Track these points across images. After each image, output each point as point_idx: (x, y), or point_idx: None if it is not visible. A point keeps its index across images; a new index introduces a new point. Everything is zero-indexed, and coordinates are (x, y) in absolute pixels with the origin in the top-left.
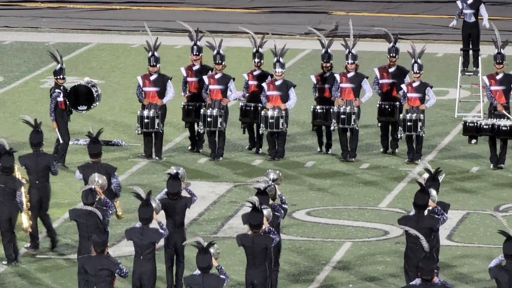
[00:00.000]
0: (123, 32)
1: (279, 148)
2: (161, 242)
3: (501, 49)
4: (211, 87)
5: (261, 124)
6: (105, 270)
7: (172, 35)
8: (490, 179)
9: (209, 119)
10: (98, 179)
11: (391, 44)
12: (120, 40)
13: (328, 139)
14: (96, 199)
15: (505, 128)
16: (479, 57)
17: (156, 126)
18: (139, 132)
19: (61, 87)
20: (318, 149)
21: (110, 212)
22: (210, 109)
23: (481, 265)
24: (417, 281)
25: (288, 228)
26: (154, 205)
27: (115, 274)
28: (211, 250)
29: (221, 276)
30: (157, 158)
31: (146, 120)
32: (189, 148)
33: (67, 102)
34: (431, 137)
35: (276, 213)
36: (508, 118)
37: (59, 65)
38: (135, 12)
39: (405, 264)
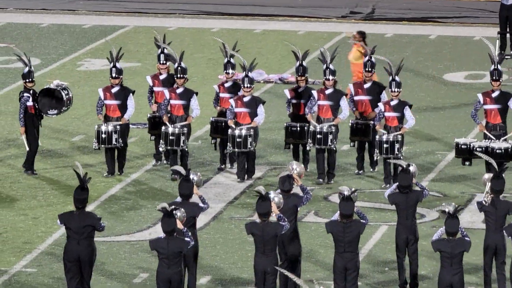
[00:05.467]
0: (160, 15)
1: (249, 167)
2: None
3: (498, 65)
4: (172, 102)
5: (228, 144)
6: (89, 226)
7: (208, 18)
8: None
9: (171, 137)
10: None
11: (367, 57)
12: (157, 22)
13: (305, 154)
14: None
15: (500, 151)
16: None
17: (114, 142)
18: (96, 147)
19: (31, 91)
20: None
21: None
22: (172, 126)
23: None
24: None
25: (324, 211)
26: (195, 178)
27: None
28: (178, 213)
29: (186, 238)
30: (118, 173)
31: (103, 135)
32: (165, 161)
33: (37, 107)
34: (468, 120)
35: (362, 220)
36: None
37: (27, 68)
38: None
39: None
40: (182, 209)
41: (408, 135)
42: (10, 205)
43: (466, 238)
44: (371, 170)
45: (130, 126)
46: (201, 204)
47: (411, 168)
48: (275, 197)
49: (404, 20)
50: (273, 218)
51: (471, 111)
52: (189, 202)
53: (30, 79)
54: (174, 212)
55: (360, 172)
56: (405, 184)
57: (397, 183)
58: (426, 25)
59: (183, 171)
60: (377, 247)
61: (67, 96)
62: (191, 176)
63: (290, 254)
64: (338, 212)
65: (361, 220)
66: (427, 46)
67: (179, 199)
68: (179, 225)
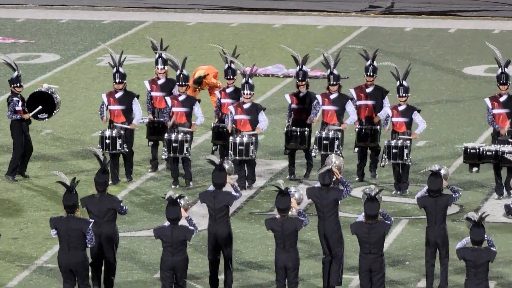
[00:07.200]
0: (179, 10)
1: (249, 175)
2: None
3: (505, 69)
4: (174, 109)
5: (230, 152)
6: (110, 209)
7: (228, 12)
8: None
9: (174, 144)
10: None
11: (369, 62)
12: (176, 18)
13: (309, 159)
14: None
15: (511, 155)
16: None
17: (118, 147)
18: (102, 153)
19: (19, 95)
20: (288, 176)
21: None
22: (175, 133)
23: None
24: None
25: (344, 206)
26: (227, 167)
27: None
28: (181, 202)
29: (190, 227)
30: (127, 180)
31: (107, 141)
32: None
33: (26, 111)
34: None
35: (387, 221)
36: None
37: (16, 73)
38: None
39: None
40: (186, 197)
41: (427, 128)
42: (31, 201)
43: (492, 248)
44: (371, 175)
45: (142, 119)
46: (234, 193)
47: (442, 171)
48: (295, 192)
49: (423, 14)
50: (293, 213)
51: (487, 118)
52: (222, 191)
53: (19, 84)
54: (178, 200)
55: (361, 179)
56: (435, 188)
57: (426, 188)
58: (445, 18)
59: (216, 160)
60: (397, 241)
61: (57, 100)
62: (224, 165)
63: (334, 250)
64: (363, 213)
65: (386, 221)
66: (446, 40)
67: (211, 188)
68: (183, 213)
